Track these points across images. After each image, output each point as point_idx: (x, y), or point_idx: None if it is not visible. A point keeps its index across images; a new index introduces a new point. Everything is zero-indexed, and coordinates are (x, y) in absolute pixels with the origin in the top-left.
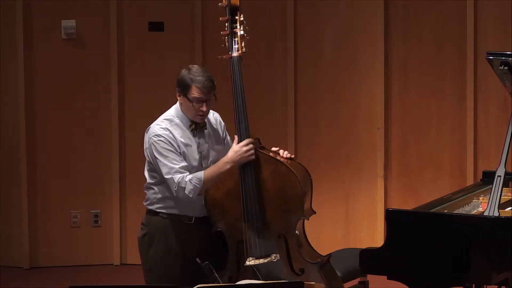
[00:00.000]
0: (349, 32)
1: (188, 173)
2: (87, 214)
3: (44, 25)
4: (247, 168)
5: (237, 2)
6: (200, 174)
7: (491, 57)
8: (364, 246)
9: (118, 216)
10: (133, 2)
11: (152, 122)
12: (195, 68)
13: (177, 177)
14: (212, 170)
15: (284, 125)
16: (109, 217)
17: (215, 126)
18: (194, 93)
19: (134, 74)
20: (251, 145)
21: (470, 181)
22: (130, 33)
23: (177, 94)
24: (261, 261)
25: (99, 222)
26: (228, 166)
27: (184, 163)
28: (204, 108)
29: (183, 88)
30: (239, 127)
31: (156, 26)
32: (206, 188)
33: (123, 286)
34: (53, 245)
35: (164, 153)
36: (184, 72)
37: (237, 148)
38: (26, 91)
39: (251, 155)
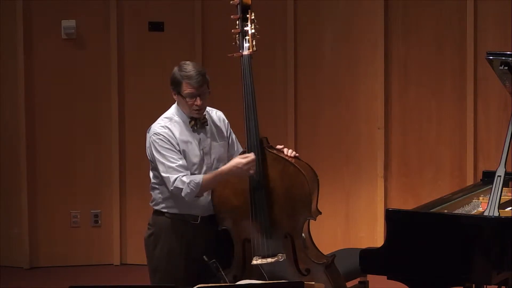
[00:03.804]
0: (349, 32)
1: (185, 172)
2: (87, 214)
3: (44, 25)
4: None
5: (249, 1)
6: (198, 179)
7: (491, 57)
8: (364, 246)
9: (118, 216)
10: (133, 2)
11: (152, 122)
12: (185, 64)
13: (174, 176)
14: (210, 177)
15: (284, 125)
16: (109, 217)
17: (218, 124)
18: (186, 89)
19: (134, 74)
20: (252, 160)
21: (470, 181)
22: (130, 33)
23: (172, 93)
24: (268, 260)
25: (99, 222)
26: (225, 177)
27: (182, 162)
28: (198, 102)
29: (175, 86)
30: (248, 125)
31: (156, 26)
32: (203, 193)
33: (123, 286)
34: (53, 245)
35: (162, 151)
36: (175, 70)
37: (238, 161)
38: (26, 91)
39: (250, 170)
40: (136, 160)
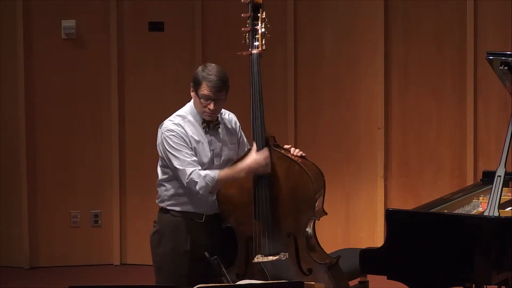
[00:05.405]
0: (349, 32)
1: (200, 167)
2: (87, 214)
3: (44, 25)
4: None
5: (260, 0)
6: (215, 173)
7: (491, 57)
8: (364, 246)
9: (118, 216)
10: (133, 2)
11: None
12: (210, 66)
13: (190, 169)
14: (226, 173)
15: (284, 125)
16: (109, 217)
17: (229, 126)
18: (203, 90)
19: (134, 74)
20: (268, 155)
21: (470, 181)
22: (130, 33)
23: (191, 89)
24: (270, 258)
25: (99, 222)
26: (243, 174)
27: (195, 158)
28: (211, 107)
29: (195, 84)
30: (254, 123)
31: (156, 26)
32: (217, 189)
33: (123, 286)
34: (53, 245)
35: (176, 147)
36: (199, 68)
37: (257, 157)
38: (26, 91)
39: (269, 167)
40: (136, 160)
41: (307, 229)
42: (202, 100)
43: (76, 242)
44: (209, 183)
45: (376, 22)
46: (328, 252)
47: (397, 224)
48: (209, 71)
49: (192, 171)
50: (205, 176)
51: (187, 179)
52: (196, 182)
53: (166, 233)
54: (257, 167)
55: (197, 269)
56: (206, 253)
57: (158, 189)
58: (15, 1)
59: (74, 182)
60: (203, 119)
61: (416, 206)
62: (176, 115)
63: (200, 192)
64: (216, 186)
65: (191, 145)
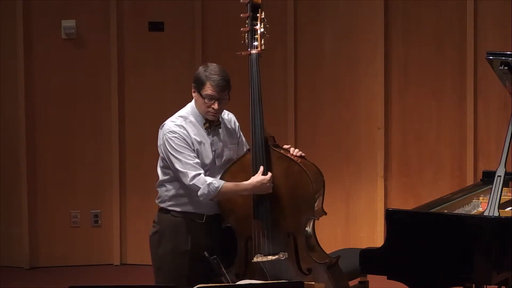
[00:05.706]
0: (349, 32)
1: (202, 171)
2: (87, 214)
3: (44, 25)
4: (260, 164)
5: (259, 0)
6: (219, 184)
7: (491, 57)
8: (364, 246)
9: (118, 216)
10: (133, 2)
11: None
12: (212, 66)
13: (193, 172)
14: (230, 188)
15: (284, 125)
16: (109, 217)
17: (229, 126)
18: (207, 90)
19: (134, 74)
20: (271, 177)
21: (470, 181)
22: (130, 33)
23: (192, 90)
24: (269, 258)
25: (99, 222)
26: (245, 193)
27: (198, 160)
28: (215, 106)
29: (198, 84)
30: (254, 123)
31: (156, 26)
32: (217, 198)
33: (123, 286)
34: (53, 245)
35: (178, 149)
36: (201, 68)
37: (263, 178)
38: (26, 91)
39: (271, 188)
40: (136, 160)
41: (306, 229)
42: (206, 100)
43: (76, 242)
44: (211, 192)
45: (376, 22)
46: (328, 252)
47: (397, 224)
48: (212, 71)
49: (196, 175)
50: (209, 184)
51: (190, 182)
52: (199, 188)
53: (166, 233)
54: (261, 188)
55: (197, 269)
56: (205, 252)
57: (159, 189)
58: (15, 1)
59: (74, 182)
60: (205, 120)
61: (416, 206)
62: (178, 116)
63: (201, 198)
64: (217, 196)
65: (193, 146)
